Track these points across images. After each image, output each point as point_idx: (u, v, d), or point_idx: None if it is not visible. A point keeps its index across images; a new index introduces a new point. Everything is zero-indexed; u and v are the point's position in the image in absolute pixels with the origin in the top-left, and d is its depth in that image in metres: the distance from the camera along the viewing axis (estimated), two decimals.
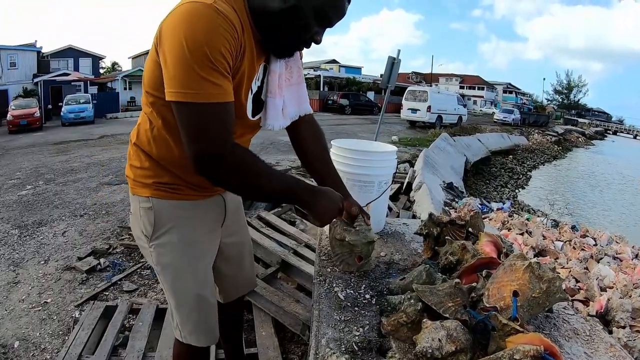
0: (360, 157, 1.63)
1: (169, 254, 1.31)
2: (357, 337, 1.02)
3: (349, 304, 1.17)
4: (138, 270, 3.58)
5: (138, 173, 1.29)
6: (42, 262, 3.84)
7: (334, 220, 1.35)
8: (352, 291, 1.25)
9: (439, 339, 0.86)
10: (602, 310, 2.70)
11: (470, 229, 1.52)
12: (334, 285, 1.28)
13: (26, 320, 2.91)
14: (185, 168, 1.18)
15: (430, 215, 1.50)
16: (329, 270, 1.38)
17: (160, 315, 2.71)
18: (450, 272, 1.28)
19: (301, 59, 1.41)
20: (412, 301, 1.01)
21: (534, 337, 0.85)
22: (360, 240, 1.30)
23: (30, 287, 3.38)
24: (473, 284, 1.10)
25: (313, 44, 1.20)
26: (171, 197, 1.28)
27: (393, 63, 7.26)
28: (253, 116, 1.27)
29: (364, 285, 1.28)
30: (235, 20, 1.04)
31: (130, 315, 2.80)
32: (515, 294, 0.95)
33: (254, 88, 1.22)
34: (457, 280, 1.04)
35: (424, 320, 0.94)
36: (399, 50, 7.36)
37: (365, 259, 1.33)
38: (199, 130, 1.03)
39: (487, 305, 0.96)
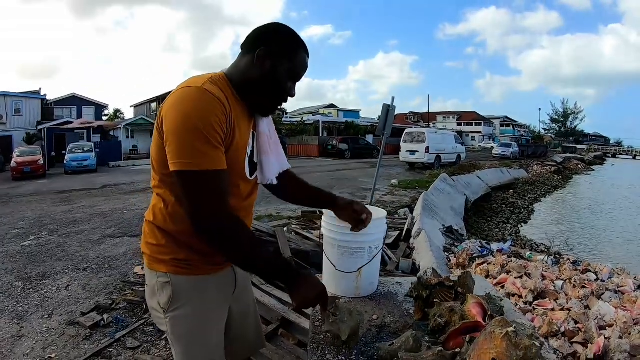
0: None
1: (183, 325, 1.38)
2: None
3: None
4: (141, 327, 3.59)
5: (155, 250, 1.38)
6: (46, 316, 3.86)
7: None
8: (343, 358, 1.31)
9: None
10: (600, 352, 2.71)
11: (459, 289, 1.58)
12: (327, 352, 1.34)
13: None
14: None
15: (419, 278, 1.57)
16: (322, 337, 1.44)
17: None
18: (439, 333, 1.35)
19: None
20: None
21: None
22: (335, 332, 1.36)
23: (34, 342, 3.40)
24: (456, 350, 1.16)
25: (290, 98, 1.42)
26: (187, 273, 1.36)
27: (388, 110, 7.42)
28: (250, 176, 1.40)
29: (355, 352, 1.35)
30: (222, 98, 1.21)
31: None
32: None
33: (248, 152, 1.37)
34: (439, 348, 1.11)
35: None
36: (392, 98, 7.54)
37: (346, 342, 1.38)
38: (195, 194, 1.16)
39: None
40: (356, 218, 1.61)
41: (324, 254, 1.82)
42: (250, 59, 1.31)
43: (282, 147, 1.58)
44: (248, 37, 1.35)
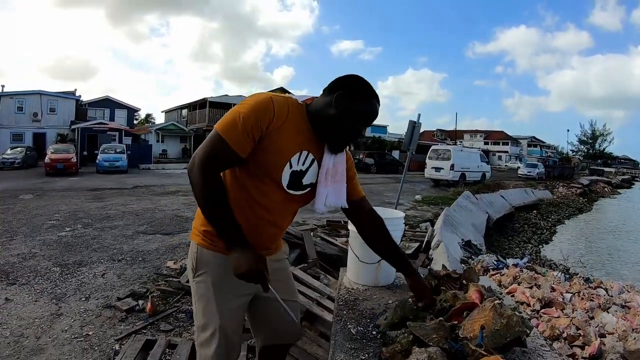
0: None
1: (202, 289, 1.68)
2: None
3: (358, 337, 1.50)
4: (173, 313, 3.86)
5: (194, 222, 1.73)
6: (83, 299, 4.13)
7: None
8: (362, 328, 1.57)
9: None
10: (595, 353, 2.88)
11: (464, 281, 1.82)
12: (348, 324, 1.60)
13: (69, 348, 3.17)
14: (238, 208, 1.54)
15: (430, 269, 1.82)
16: (344, 312, 1.71)
17: (195, 352, 2.98)
18: (444, 314, 1.59)
19: (349, 161, 1.79)
20: (405, 334, 1.33)
21: (495, 359, 1.15)
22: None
23: (73, 320, 3.65)
24: (454, 322, 1.41)
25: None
26: (209, 247, 1.65)
27: (414, 127, 7.63)
28: (288, 188, 1.61)
29: (372, 325, 1.60)
30: (280, 107, 1.50)
31: (168, 350, 3.06)
32: (482, 327, 1.26)
33: (294, 166, 1.58)
34: (440, 318, 1.36)
35: (414, 347, 1.25)
36: (419, 115, 7.79)
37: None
38: (206, 145, 1.48)
39: (461, 336, 1.27)
40: (418, 295, 1.71)
41: (349, 247, 2.10)
42: (330, 100, 1.55)
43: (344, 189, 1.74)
44: (331, 82, 1.59)
